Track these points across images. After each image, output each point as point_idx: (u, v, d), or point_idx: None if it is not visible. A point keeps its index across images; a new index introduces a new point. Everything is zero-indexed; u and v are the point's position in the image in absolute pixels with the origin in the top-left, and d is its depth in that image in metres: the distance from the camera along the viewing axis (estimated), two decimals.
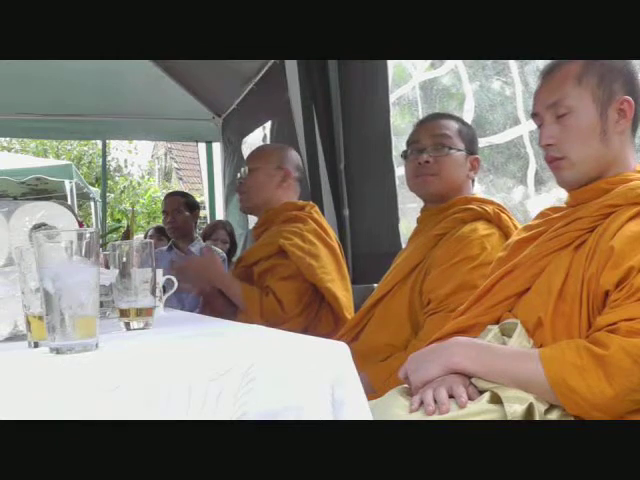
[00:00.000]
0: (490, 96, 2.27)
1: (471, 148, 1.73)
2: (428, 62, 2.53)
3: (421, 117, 2.46)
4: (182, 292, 2.83)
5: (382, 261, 1.98)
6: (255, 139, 4.17)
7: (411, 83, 2.64)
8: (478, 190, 2.27)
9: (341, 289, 2.10)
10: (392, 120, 2.65)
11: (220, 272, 2.20)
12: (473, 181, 1.77)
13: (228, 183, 4.69)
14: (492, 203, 1.70)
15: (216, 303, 2.22)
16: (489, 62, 2.23)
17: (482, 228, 1.61)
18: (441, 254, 1.62)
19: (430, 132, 1.72)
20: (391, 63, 2.69)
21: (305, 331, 1.93)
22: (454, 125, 1.73)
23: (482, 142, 2.25)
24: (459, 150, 1.70)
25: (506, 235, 1.60)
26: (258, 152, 2.41)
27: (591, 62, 1.22)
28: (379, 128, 2.69)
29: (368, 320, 1.74)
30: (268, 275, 2.11)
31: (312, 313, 2.10)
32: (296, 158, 2.34)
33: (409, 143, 1.75)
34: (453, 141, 1.69)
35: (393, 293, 1.70)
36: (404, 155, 1.77)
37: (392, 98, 2.70)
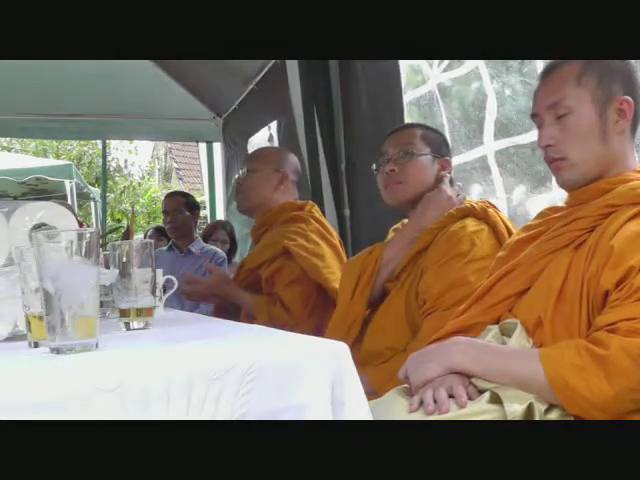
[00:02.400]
0: (514, 96, 2.26)
1: (439, 151, 1.76)
2: (446, 62, 2.51)
3: (444, 117, 2.47)
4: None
5: None
6: (261, 139, 4.17)
7: (430, 83, 2.63)
8: (499, 190, 2.27)
9: None
10: (412, 120, 2.64)
11: (230, 289, 2.21)
12: (452, 181, 1.78)
13: (236, 177, 4.69)
14: (480, 200, 1.73)
15: (229, 310, 2.25)
16: (511, 62, 2.21)
17: (471, 224, 1.63)
18: (434, 254, 1.63)
19: (394, 142, 1.76)
20: (406, 63, 2.69)
21: (317, 332, 1.93)
22: (418, 132, 1.77)
23: (505, 142, 2.25)
24: (423, 154, 1.73)
25: (494, 230, 1.62)
26: (256, 154, 2.43)
27: (590, 62, 1.22)
28: (390, 128, 2.68)
29: (365, 323, 1.75)
30: (276, 279, 2.11)
31: (321, 314, 2.10)
32: (295, 162, 2.35)
33: (378, 157, 1.78)
34: (416, 147, 1.73)
35: (390, 297, 1.70)
36: (375, 169, 1.80)
37: (410, 98, 2.69)
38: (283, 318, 2.04)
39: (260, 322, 2.03)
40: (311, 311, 2.09)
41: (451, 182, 1.79)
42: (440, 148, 1.77)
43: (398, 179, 1.72)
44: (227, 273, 2.32)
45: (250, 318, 2.12)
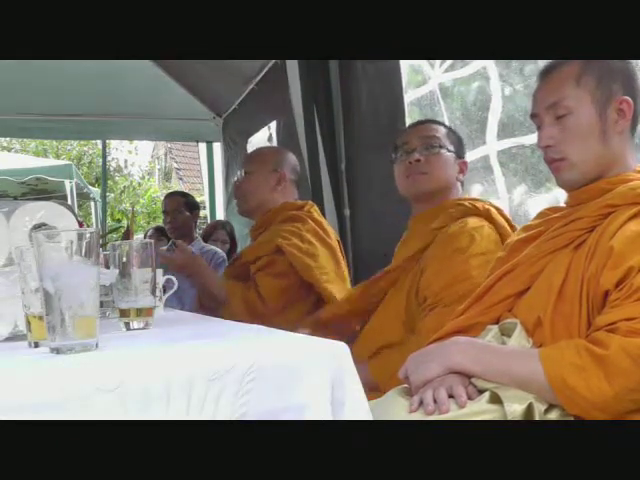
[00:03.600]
0: (518, 96, 2.25)
1: (459, 151, 1.77)
2: (448, 62, 2.51)
3: (445, 117, 2.48)
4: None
5: (383, 261, 1.98)
6: (260, 139, 4.17)
7: (431, 83, 2.63)
8: (501, 190, 2.27)
9: (339, 289, 2.10)
10: (414, 120, 2.63)
11: (201, 269, 2.20)
12: (462, 184, 1.79)
13: (235, 179, 4.69)
14: (482, 201, 1.73)
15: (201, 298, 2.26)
16: (522, 62, 2.20)
17: (471, 221, 1.63)
18: (434, 252, 1.63)
19: (419, 134, 1.76)
20: (406, 63, 2.68)
21: (292, 327, 1.93)
22: (442, 129, 1.78)
23: (509, 142, 2.25)
24: (449, 150, 1.73)
25: (496, 228, 1.63)
26: (254, 155, 2.43)
27: (590, 62, 1.22)
28: (392, 128, 2.68)
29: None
30: (261, 271, 2.12)
31: (299, 310, 2.10)
32: (293, 161, 2.34)
33: (397, 146, 1.78)
34: (442, 142, 1.74)
35: (389, 295, 1.70)
36: (392, 159, 1.79)
37: (411, 98, 2.69)
38: (256, 305, 2.05)
39: (234, 307, 2.04)
40: (286, 304, 2.09)
41: (461, 184, 1.79)
42: (460, 148, 1.79)
43: (423, 169, 1.71)
44: (198, 256, 2.31)
45: (201, 304, 2.12)
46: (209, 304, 2.18)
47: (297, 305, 2.11)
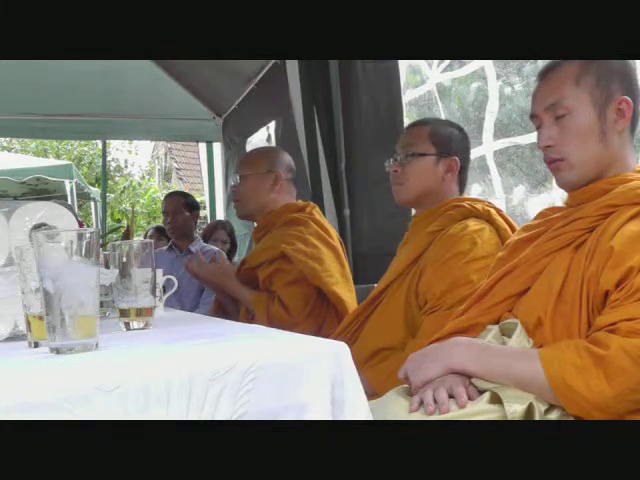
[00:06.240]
0: (516, 96, 2.25)
1: (447, 150, 1.73)
2: (446, 62, 2.51)
3: (443, 117, 2.48)
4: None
5: (383, 261, 1.98)
6: (259, 139, 4.17)
7: (429, 83, 2.63)
8: (498, 190, 2.27)
9: (346, 291, 2.10)
10: (411, 120, 2.64)
11: (231, 280, 2.21)
12: (458, 181, 1.77)
13: (231, 184, 4.70)
14: (481, 201, 1.72)
15: (228, 306, 2.26)
16: (520, 62, 2.20)
17: (472, 224, 1.62)
18: (434, 254, 1.63)
19: (402, 142, 1.76)
20: (405, 63, 2.68)
21: (316, 334, 1.93)
22: (425, 131, 1.74)
23: (506, 142, 2.25)
24: (427, 155, 1.71)
25: (496, 230, 1.62)
26: (247, 158, 2.43)
27: (589, 62, 1.21)
28: (391, 128, 2.68)
29: (362, 323, 1.75)
30: (274, 279, 2.12)
31: (320, 316, 2.10)
32: (287, 160, 2.33)
33: (390, 155, 1.79)
34: (420, 147, 1.71)
35: (389, 296, 1.70)
36: (387, 168, 1.80)
37: (409, 98, 2.70)
38: (282, 316, 2.03)
39: (258, 319, 2.04)
40: (311, 312, 2.09)
41: (462, 183, 1.78)
42: (449, 147, 1.74)
43: (400, 180, 1.72)
44: (232, 267, 2.32)
45: (250, 316, 2.13)
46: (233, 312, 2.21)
47: (317, 312, 2.10)
